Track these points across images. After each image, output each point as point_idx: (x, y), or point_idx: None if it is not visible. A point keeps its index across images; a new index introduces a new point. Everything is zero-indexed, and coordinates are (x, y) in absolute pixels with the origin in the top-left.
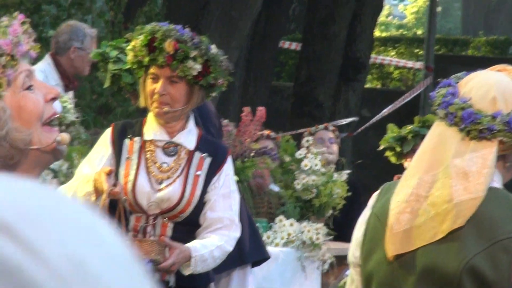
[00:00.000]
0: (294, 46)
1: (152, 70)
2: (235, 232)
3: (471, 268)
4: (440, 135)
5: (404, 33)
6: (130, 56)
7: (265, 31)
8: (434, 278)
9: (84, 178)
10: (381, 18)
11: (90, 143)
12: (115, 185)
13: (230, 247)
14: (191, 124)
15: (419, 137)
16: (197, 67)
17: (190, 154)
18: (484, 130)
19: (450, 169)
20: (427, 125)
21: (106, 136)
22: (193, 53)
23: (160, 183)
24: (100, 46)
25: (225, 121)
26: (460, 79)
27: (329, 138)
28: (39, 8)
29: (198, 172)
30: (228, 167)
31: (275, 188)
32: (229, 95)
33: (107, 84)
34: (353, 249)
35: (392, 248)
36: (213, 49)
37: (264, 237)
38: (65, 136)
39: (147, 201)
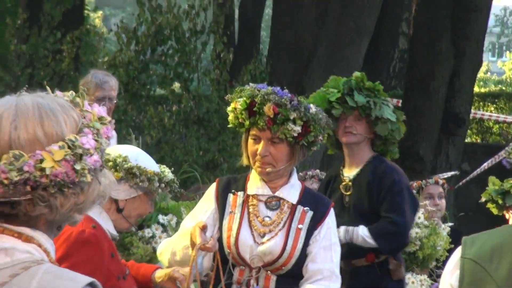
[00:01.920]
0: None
1: (253, 131)
2: (335, 283)
3: None
4: None
5: (503, 88)
6: (231, 117)
7: None
8: None
9: (183, 232)
10: (480, 74)
11: (196, 198)
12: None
13: None
14: (294, 178)
15: None
16: (297, 128)
17: (293, 208)
18: None
19: None
20: None
21: (211, 191)
22: (293, 115)
23: (263, 236)
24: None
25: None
26: None
27: (438, 193)
28: (147, 67)
29: (300, 226)
30: (330, 220)
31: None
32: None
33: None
34: None
35: None
36: (312, 108)
37: None
38: None
39: (249, 254)
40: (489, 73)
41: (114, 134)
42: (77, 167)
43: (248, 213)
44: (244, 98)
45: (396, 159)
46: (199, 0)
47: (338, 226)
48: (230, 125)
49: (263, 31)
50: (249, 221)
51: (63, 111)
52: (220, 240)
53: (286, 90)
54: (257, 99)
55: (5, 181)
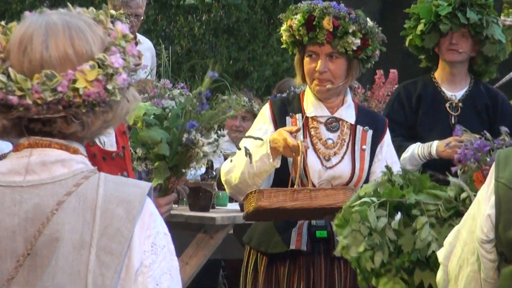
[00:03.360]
0: None
1: (310, 48)
2: None
3: None
4: None
5: None
6: (285, 36)
7: None
8: None
9: (255, 144)
10: None
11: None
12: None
13: None
14: (349, 97)
15: None
16: (356, 41)
17: (352, 128)
18: None
19: None
20: None
21: (265, 112)
22: (352, 28)
23: (328, 160)
24: None
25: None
26: None
27: None
28: None
29: (364, 147)
30: (388, 138)
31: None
32: None
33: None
34: (480, 226)
35: None
36: (369, 22)
37: None
38: None
39: (318, 179)
40: None
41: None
42: (109, 86)
43: (311, 136)
44: (302, 14)
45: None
46: None
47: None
48: (283, 46)
49: None
50: (313, 145)
51: (90, 29)
52: (284, 164)
53: (342, 4)
54: (315, 13)
55: (39, 101)
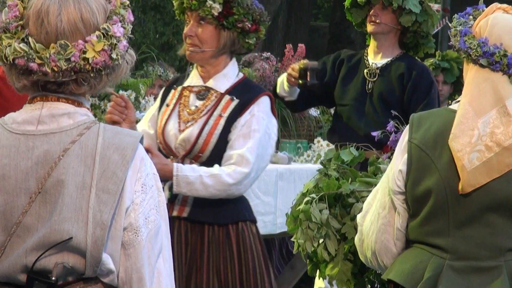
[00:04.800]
0: None
1: (187, 13)
2: (244, 168)
3: None
4: (487, 80)
5: None
6: (175, 4)
7: None
8: (500, 204)
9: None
10: None
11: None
12: None
13: (230, 180)
14: (229, 69)
15: (439, 69)
16: (216, 6)
17: (220, 97)
18: None
19: (506, 108)
20: (446, 59)
21: (161, 93)
22: None
23: (186, 124)
24: None
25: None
26: (477, 10)
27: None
28: None
29: (222, 113)
30: (256, 108)
31: (314, 113)
32: (274, 34)
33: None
34: (394, 178)
35: (468, 184)
36: None
37: (305, 156)
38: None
39: (174, 143)
40: None
41: None
42: (113, 55)
43: (179, 104)
44: None
45: (330, 42)
46: None
47: (357, 111)
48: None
49: None
50: (178, 112)
51: (95, 0)
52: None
53: None
54: None
55: (55, 68)
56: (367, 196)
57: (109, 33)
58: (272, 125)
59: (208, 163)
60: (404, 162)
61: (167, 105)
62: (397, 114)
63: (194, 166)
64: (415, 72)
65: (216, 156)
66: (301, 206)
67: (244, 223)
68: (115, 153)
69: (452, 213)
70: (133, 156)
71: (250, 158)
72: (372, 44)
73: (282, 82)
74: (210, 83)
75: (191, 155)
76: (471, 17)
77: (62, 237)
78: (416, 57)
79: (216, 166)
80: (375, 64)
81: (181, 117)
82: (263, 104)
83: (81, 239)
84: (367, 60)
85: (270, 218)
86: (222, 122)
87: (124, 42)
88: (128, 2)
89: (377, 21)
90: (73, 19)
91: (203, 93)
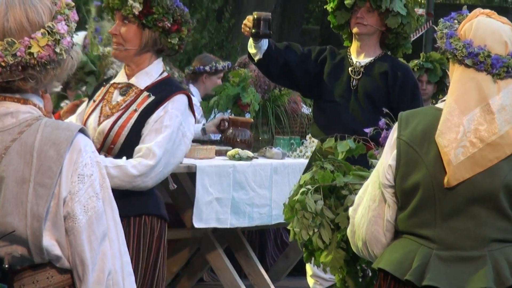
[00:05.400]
0: None
1: (115, 13)
2: (150, 161)
3: (506, 186)
4: (472, 80)
5: None
6: (104, 2)
7: None
8: (483, 197)
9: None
10: None
11: None
12: None
13: (135, 171)
14: (153, 67)
15: (423, 69)
16: (136, 5)
17: (139, 93)
18: (510, 70)
19: (490, 106)
20: (430, 60)
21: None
22: None
23: (104, 118)
24: None
25: None
26: (462, 15)
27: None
28: None
29: (137, 108)
30: (171, 106)
31: (306, 111)
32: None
33: None
34: (384, 172)
35: (453, 178)
36: None
37: (297, 151)
38: None
39: (93, 136)
40: None
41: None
42: (57, 50)
43: (104, 100)
44: None
45: (321, 45)
46: None
47: (342, 107)
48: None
49: None
50: (101, 107)
51: (40, 1)
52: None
53: None
54: None
55: (3, 64)
56: (360, 189)
57: (54, 30)
58: (188, 123)
59: (120, 156)
60: (393, 158)
61: (94, 101)
62: (388, 111)
63: (102, 157)
64: (400, 73)
65: (128, 149)
66: (298, 197)
67: (147, 217)
68: (51, 148)
69: (439, 205)
70: (67, 149)
71: (157, 152)
72: (355, 44)
73: (250, 41)
74: (133, 80)
75: (104, 148)
76: (456, 21)
77: (7, 230)
78: (397, 57)
79: (124, 158)
80: (359, 62)
81: (102, 111)
82: (178, 102)
83: (22, 231)
84: (351, 59)
85: (266, 210)
86: (135, 116)
87: (68, 39)
88: (73, 4)
89: (364, 23)
90: (19, 19)
91: (125, 89)
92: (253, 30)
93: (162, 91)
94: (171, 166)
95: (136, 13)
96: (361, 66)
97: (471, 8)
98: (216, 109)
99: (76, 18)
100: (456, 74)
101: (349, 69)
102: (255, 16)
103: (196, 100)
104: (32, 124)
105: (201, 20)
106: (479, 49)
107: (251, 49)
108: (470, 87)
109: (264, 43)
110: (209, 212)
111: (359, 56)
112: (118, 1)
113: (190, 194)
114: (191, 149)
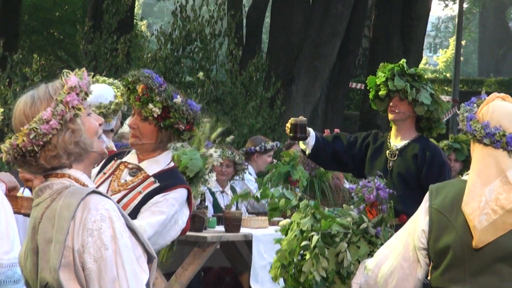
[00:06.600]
0: (360, 86)
1: (133, 107)
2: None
3: None
4: (490, 156)
5: (437, 76)
6: (124, 95)
7: (339, 76)
8: (506, 256)
9: None
10: (420, 65)
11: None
12: None
13: None
14: (163, 157)
15: (452, 149)
16: (155, 110)
17: (147, 177)
18: None
19: (507, 178)
20: (457, 141)
21: (104, 160)
22: (156, 98)
23: (113, 194)
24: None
25: None
26: (480, 99)
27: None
28: (179, 61)
29: (141, 191)
30: (173, 196)
31: (348, 186)
32: (314, 121)
33: None
34: (418, 236)
35: (480, 241)
36: (178, 98)
37: None
38: (108, 146)
39: None
40: (427, 64)
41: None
42: (32, 136)
43: (113, 175)
44: (126, 78)
45: (361, 128)
46: (217, 12)
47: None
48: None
49: (264, 35)
50: (110, 181)
51: (34, 104)
52: None
53: (161, 78)
54: (133, 79)
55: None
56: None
57: (38, 129)
58: (183, 214)
59: None
60: (426, 223)
61: (104, 173)
62: (380, 174)
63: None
64: (428, 153)
65: None
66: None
67: None
68: (66, 210)
69: (468, 264)
70: (75, 210)
71: (148, 231)
72: (393, 129)
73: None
74: (143, 164)
75: None
76: (475, 105)
77: (43, 284)
78: (430, 138)
79: None
80: (395, 146)
81: (111, 186)
82: (179, 193)
83: (52, 282)
84: (389, 143)
85: None
86: (139, 197)
87: (52, 122)
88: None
89: (396, 110)
90: (19, 117)
91: (134, 171)
92: (291, 134)
93: (167, 180)
94: (157, 246)
95: (155, 115)
96: (397, 149)
97: (489, 93)
98: (269, 185)
99: (75, 104)
100: (477, 151)
101: (387, 152)
102: (292, 122)
103: (252, 176)
104: (62, 192)
105: (256, 107)
106: (495, 129)
107: (301, 145)
108: (489, 162)
109: (312, 139)
110: (264, 275)
111: (396, 139)
112: (139, 103)
113: (247, 259)
114: (247, 219)
